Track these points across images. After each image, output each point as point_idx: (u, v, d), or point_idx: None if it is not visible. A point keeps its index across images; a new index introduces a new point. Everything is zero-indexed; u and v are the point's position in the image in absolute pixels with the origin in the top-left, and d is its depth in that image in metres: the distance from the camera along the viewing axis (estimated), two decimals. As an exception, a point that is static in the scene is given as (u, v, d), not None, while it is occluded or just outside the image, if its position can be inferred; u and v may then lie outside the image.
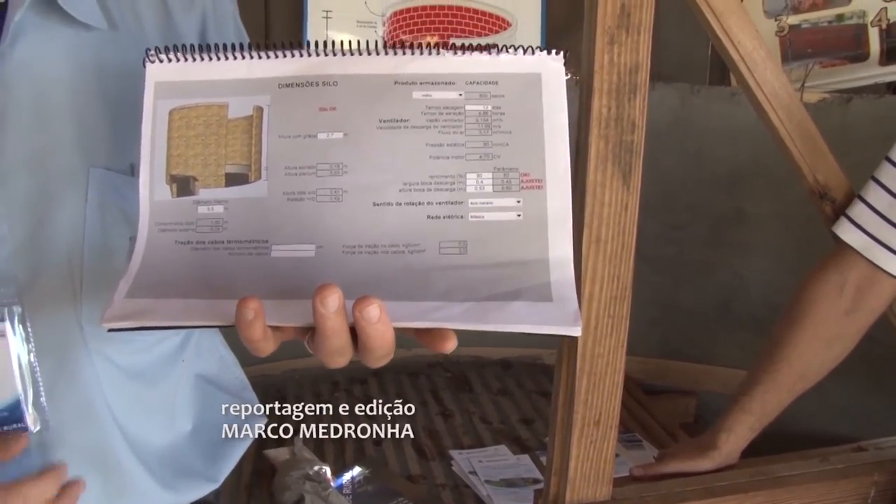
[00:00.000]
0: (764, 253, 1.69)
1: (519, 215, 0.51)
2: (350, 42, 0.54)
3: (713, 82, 1.74)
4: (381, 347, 0.46)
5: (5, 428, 0.59)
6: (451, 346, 0.47)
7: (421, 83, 0.53)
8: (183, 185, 0.53)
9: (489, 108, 0.53)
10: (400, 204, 0.51)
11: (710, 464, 0.93)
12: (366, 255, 0.50)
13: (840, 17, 1.71)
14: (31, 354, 0.59)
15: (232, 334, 0.76)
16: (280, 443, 1.41)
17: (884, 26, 1.68)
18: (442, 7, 1.69)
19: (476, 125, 0.53)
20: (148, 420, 0.70)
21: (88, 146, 0.62)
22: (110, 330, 0.48)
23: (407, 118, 0.53)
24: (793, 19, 1.71)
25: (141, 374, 0.68)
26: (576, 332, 0.47)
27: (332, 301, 0.43)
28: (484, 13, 1.72)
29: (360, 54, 0.54)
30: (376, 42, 0.54)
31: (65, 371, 0.62)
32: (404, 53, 0.54)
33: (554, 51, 0.54)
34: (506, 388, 1.73)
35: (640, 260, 0.70)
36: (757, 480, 0.88)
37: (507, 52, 0.54)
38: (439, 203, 0.51)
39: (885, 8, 1.68)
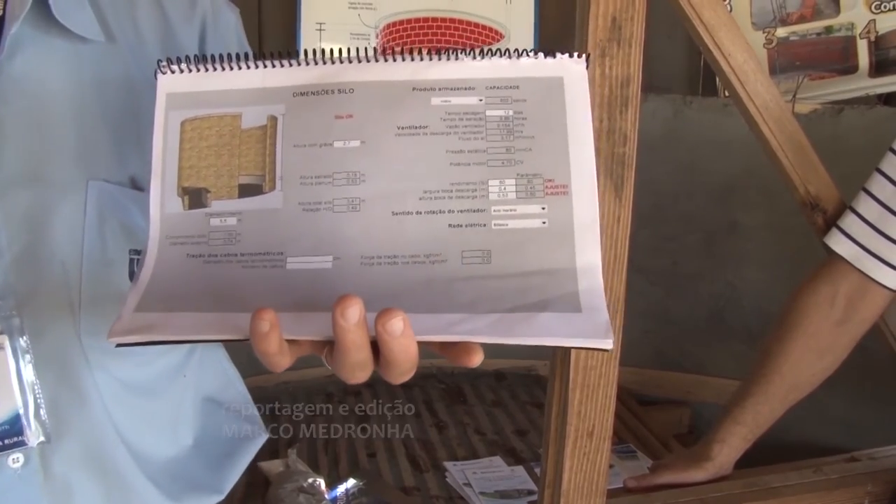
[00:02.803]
0: (756, 263, 1.70)
1: (544, 222, 0.49)
2: (366, 49, 0.53)
3: (705, 93, 1.75)
4: (405, 362, 0.44)
5: (6, 441, 0.58)
6: (477, 360, 0.45)
7: (440, 89, 0.52)
8: (195, 198, 0.51)
9: (510, 113, 0.52)
10: (420, 213, 0.50)
11: (704, 475, 0.93)
12: (385, 266, 0.48)
13: (828, 30, 1.72)
14: (31, 367, 0.59)
15: (234, 349, 0.76)
16: (274, 455, 1.41)
17: (872, 38, 1.69)
18: (435, 19, 1.70)
19: (497, 131, 0.51)
20: (151, 433, 0.69)
21: (87, 158, 0.61)
22: (118, 345, 0.47)
23: (426, 125, 0.51)
24: (781, 31, 1.72)
25: (142, 387, 0.68)
26: (607, 344, 0.45)
27: (353, 313, 0.41)
28: (476, 25, 1.73)
29: (377, 61, 0.53)
30: (394, 48, 0.53)
31: (65, 384, 0.62)
32: (422, 59, 0.52)
33: (576, 53, 0.52)
34: (500, 400, 1.73)
35: (633, 271, 0.70)
36: (750, 491, 0.88)
37: (528, 55, 0.52)
38: (461, 211, 0.50)
39: (874, 20, 1.69)
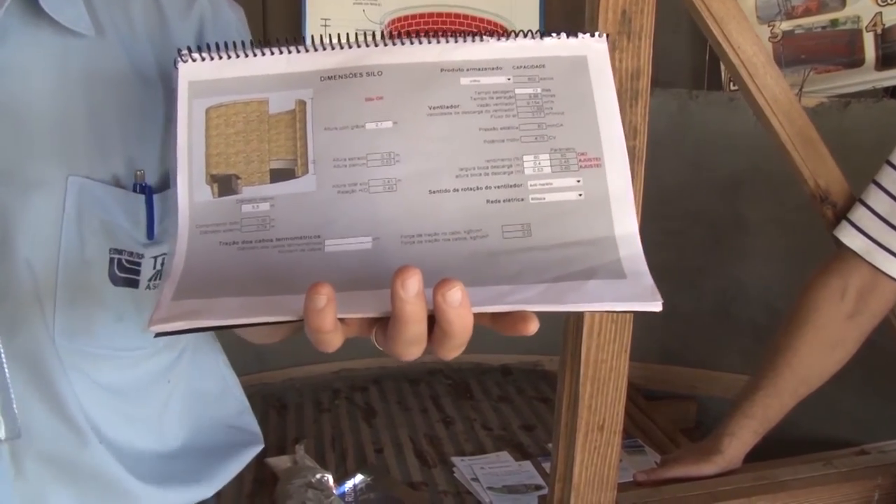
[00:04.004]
0: (762, 257, 1.70)
1: (580, 195, 0.51)
2: (390, 33, 0.53)
3: (711, 87, 1.75)
4: (462, 333, 0.44)
5: None
6: (533, 327, 0.45)
7: (468, 69, 0.53)
8: (225, 185, 0.51)
9: (539, 90, 0.53)
10: (457, 190, 0.50)
11: (714, 468, 0.93)
12: (426, 244, 0.49)
13: (834, 23, 1.71)
14: (3, 364, 0.58)
15: (241, 348, 0.75)
16: (281, 451, 1.41)
17: (879, 31, 1.68)
18: (439, 14, 1.70)
19: (528, 108, 0.53)
20: (137, 434, 0.68)
21: (68, 154, 0.60)
22: (158, 334, 0.46)
23: (457, 104, 0.52)
24: (786, 25, 1.71)
25: (121, 390, 0.66)
26: (656, 307, 0.46)
27: (413, 283, 0.41)
28: (481, 20, 1.73)
29: (402, 44, 0.53)
30: (417, 33, 0.53)
31: (38, 384, 0.60)
32: (447, 41, 0.53)
33: (597, 33, 0.54)
34: (506, 395, 1.73)
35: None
36: (760, 485, 0.88)
37: (552, 36, 0.54)
38: (498, 187, 0.51)
39: (880, 13, 1.68)
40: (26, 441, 0.60)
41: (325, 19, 1.68)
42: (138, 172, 0.62)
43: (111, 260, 0.61)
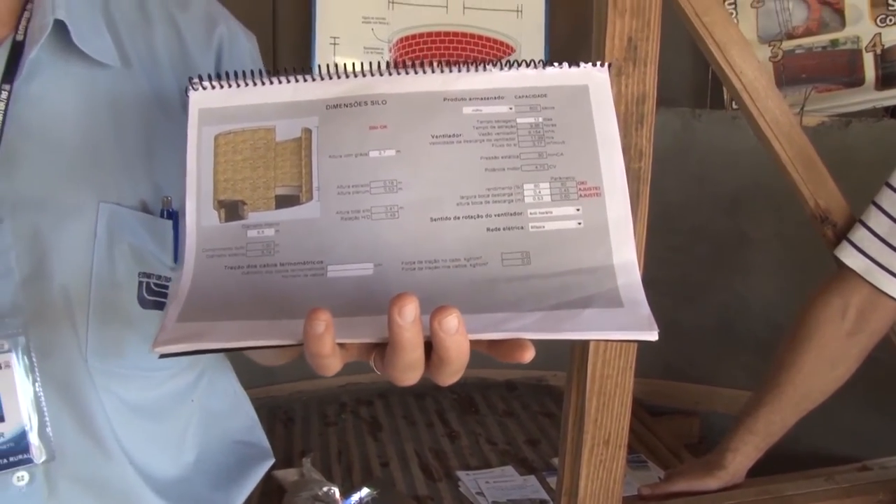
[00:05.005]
0: (765, 274, 1.71)
1: (579, 223, 0.51)
2: (395, 62, 0.55)
3: (713, 106, 1.77)
4: (458, 360, 0.44)
5: (11, 458, 0.59)
6: (529, 355, 0.45)
7: (470, 98, 0.54)
8: (231, 210, 0.52)
9: (540, 119, 0.53)
10: (458, 218, 0.51)
11: (717, 483, 0.94)
12: (427, 270, 0.49)
13: (834, 43, 1.73)
14: (37, 385, 0.59)
15: (247, 361, 0.77)
16: (288, 464, 1.42)
17: (878, 52, 1.71)
18: (447, 33, 1.73)
19: (529, 137, 0.53)
20: (156, 453, 0.69)
21: (99, 181, 0.61)
22: (162, 356, 0.47)
23: (459, 133, 0.53)
24: (787, 45, 1.73)
25: (148, 410, 0.67)
26: (652, 336, 0.46)
27: (410, 310, 0.42)
28: (487, 38, 1.75)
29: (407, 73, 0.54)
30: (422, 62, 0.54)
31: (70, 404, 0.61)
32: (451, 71, 0.54)
33: (599, 63, 0.55)
34: (511, 410, 1.74)
35: (643, 282, 0.72)
36: (763, 499, 0.90)
37: (553, 66, 0.54)
38: (498, 215, 0.51)
39: (880, 33, 1.70)
40: (60, 462, 0.60)
41: (335, 37, 1.70)
42: (165, 198, 0.64)
43: (140, 283, 0.63)
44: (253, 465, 0.77)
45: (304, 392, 1.73)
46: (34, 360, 0.59)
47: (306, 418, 1.67)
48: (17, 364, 0.58)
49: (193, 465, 0.72)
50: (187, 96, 0.54)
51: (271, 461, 0.80)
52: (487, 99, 0.54)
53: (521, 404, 1.77)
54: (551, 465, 1.44)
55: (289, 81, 0.54)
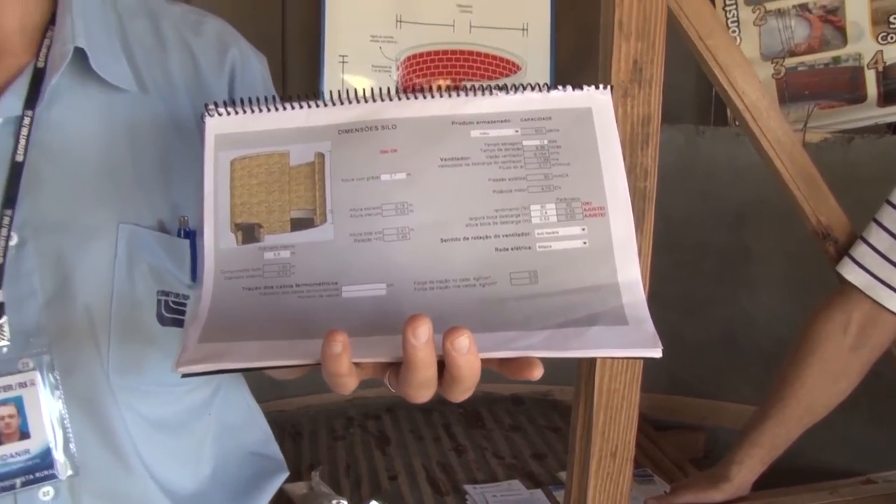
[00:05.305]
0: (769, 288, 1.72)
1: (585, 243, 0.52)
2: (405, 89, 0.56)
3: (717, 122, 1.78)
4: (470, 378, 0.46)
5: (37, 474, 0.60)
6: (538, 373, 0.47)
7: (477, 122, 0.55)
8: (248, 233, 0.53)
9: (545, 142, 0.55)
10: (468, 238, 0.52)
11: (722, 495, 0.95)
12: (437, 290, 0.50)
13: (836, 60, 1.75)
14: (61, 402, 0.61)
15: (257, 375, 0.78)
16: (297, 477, 1.43)
17: (880, 69, 1.72)
18: (454, 52, 1.75)
19: (535, 159, 0.54)
20: (175, 468, 0.70)
21: (118, 203, 0.63)
22: (184, 375, 0.48)
23: (467, 156, 0.54)
24: (789, 62, 1.74)
25: (168, 425, 0.69)
26: (656, 353, 0.48)
27: (424, 331, 0.43)
28: (494, 57, 1.78)
29: (416, 98, 0.56)
30: (431, 87, 0.56)
31: (93, 420, 0.63)
32: (458, 95, 0.56)
33: (601, 86, 0.56)
34: (517, 424, 1.75)
35: (647, 296, 0.73)
36: (768, 512, 0.91)
37: (557, 89, 0.56)
38: (506, 235, 0.52)
39: (881, 51, 1.72)
40: (83, 477, 0.62)
41: (343, 56, 1.72)
42: (182, 218, 0.65)
43: (159, 301, 0.64)
44: (268, 477, 0.78)
45: (313, 406, 1.74)
46: (58, 378, 0.60)
47: (314, 432, 1.67)
48: (42, 382, 0.60)
49: (210, 478, 0.73)
50: (203, 122, 0.56)
51: (286, 474, 0.81)
52: (494, 122, 0.55)
53: (528, 419, 1.77)
54: (558, 479, 1.45)
55: (301, 107, 0.56)
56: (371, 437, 1.66)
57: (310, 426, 1.70)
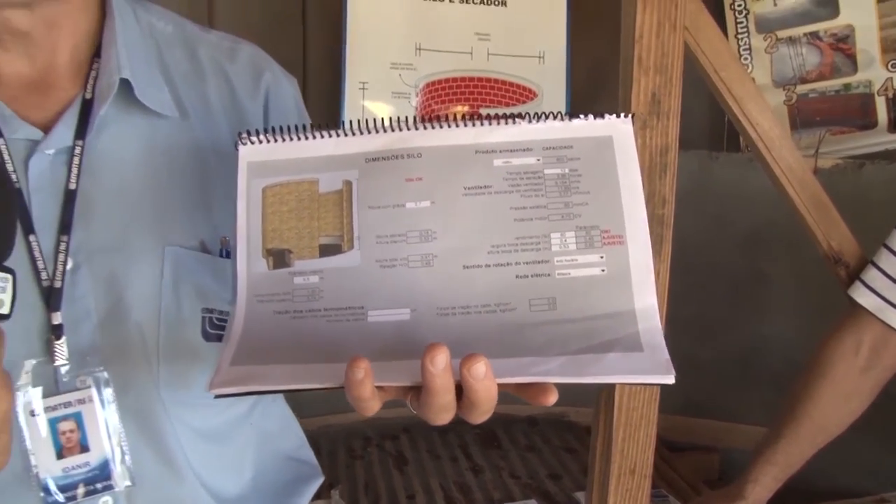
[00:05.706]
0: (782, 311, 1.73)
1: (603, 270, 0.53)
2: (432, 118, 0.58)
3: (730, 148, 1.81)
4: (487, 402, 0.48)
5: (97, 485, 0.63)
6: (552, 399, 0.48)
7: (500, 151, 0.56)
8: (279, 258, 0.55)
9: (566, 170, 0.56)
10: (489, 266, 0.53)
11: (738, 514, 0.97)
12: (459, 315, 0.52)
13: (847, 87, 1.77)
14: (116, 417, 0.64)
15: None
16: (317, 496, 1.45)
17: (890, 95, 1.75)
18: (472, 78, 1.79)
19: (556, 187, 0.56)
20: (223, 473, 0.73)
21: (163, 226, 0.66)
22: (217, 396, 0.50)
23: (490, 184, 0.56)
24: (801, 89, 1.77)
25: (214, 434, 0.71)
26: (669, 380, 0.49)
27: (441, 360, 0.45)
28: (511, 84, 1.81)
29: (441, 127, 0.57)
30: (455, 115, 0.57)
31: (147, 433, 0.66)
32: (482, 125, 0.57)
33: (623, 114, 0.57)
34: (533, 445, 1.76)
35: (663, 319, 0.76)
36: (783, 530, 0.92)
37: (579, 117, 0.57)
38: (527, 263, 0.54)
39: (891, 78, 1.75)
40: (139, 487, 0.65)
41: (363, 83, 1.76)
42: (223, 238, 0.69)
43: (203, 318, 0.67)
44: (305, 481, 0.81)
45: (332, 426, 1.76)
46: (113, 394, 0.63)
47: (333, 452, 1.70)
48: (99, 398, 0.63)
49: (252, 482, 0.76)
50: (237, 150, 0.59)
51: (321, 479, 0.83)
52: (516, 151, 0.57)
53: (543, 439, 1.79)
54: (574, 499, 1.47)
55: (330, 136, 0.58)
56: (389, 456, 1.68)
57: (329, 445, 1.72)
